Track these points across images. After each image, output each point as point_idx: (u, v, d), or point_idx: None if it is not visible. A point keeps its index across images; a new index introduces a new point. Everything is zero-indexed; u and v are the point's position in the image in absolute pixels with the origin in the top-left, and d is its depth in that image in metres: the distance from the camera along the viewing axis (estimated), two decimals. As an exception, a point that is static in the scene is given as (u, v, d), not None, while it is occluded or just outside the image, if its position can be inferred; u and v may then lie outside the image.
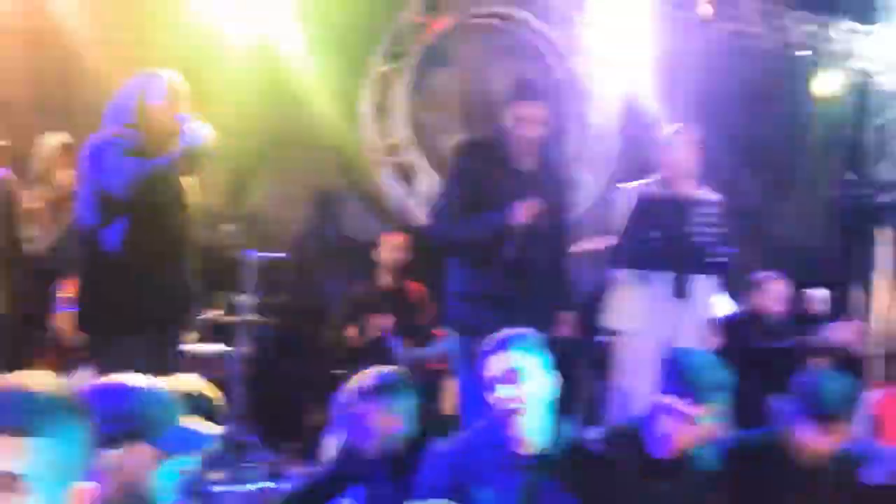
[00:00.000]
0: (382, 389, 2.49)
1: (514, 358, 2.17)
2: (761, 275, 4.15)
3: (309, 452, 4.23)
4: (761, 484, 2.29)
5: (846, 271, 5.18)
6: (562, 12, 5.74)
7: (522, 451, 2.17)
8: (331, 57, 5.02)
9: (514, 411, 2.13)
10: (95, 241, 2.84)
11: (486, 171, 3.07)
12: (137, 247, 2.82)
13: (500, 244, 2.98)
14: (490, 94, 5.57)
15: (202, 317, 3.95)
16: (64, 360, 3.56)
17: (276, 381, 4.33)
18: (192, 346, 3.83)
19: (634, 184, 3.48)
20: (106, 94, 2.98)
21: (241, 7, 4.64)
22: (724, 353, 3.69)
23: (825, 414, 2.25)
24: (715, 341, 3.52)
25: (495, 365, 2.18)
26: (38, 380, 1.17)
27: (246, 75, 4.60)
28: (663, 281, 3.26)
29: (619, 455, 2.19)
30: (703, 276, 3.33)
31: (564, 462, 2.17)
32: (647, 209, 3.14)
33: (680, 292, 3.22)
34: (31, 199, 3.61)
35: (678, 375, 2.17)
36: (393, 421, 2.47)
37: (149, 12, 4.48)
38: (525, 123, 3.03)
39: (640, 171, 3.65)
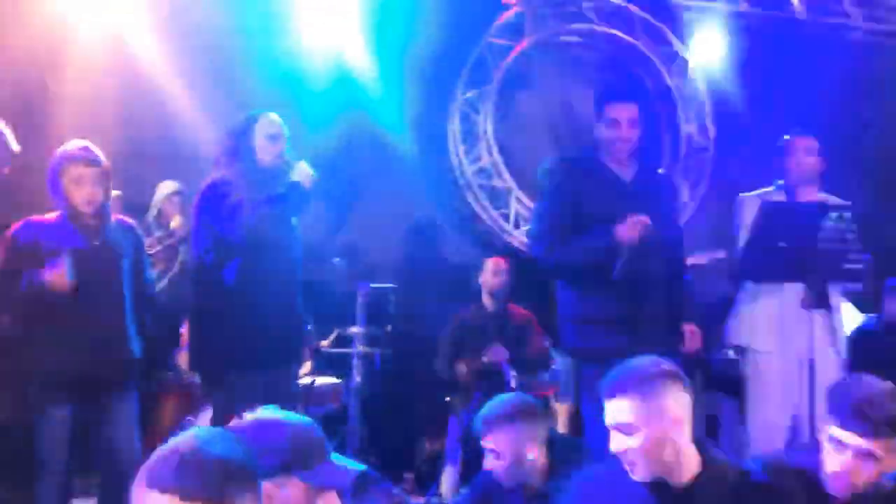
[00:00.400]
0: (517, 416, 2.41)
1: (624, 407, 1.86)
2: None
3: (423, 483, 4.22)
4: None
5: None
6: (648, 24, 5.66)
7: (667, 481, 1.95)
8: (416, 85, 5.07)
9: (632, 463, 1.89)
10: (209, 282, 2.89)
11: (583, 186, 2.93)
12: (251, 285, 2.85)
13: (609, 264, 2.82)
14: (575, 113, 5.56)
15: (316, 350, 4.00)
16: (188, 400, 3.66)
17: (388, 412, 4.33)
18: (306, 379, 3.87)
19: (756, 192, 3.34)
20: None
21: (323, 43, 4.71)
22: (859, 368, 3.51)
23: None
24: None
25: (609, 413, 1.91)
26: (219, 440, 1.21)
27: (331, 111, 4.66)
28: (794, 293, 3.10)
29: (789, 489, 2.00)
30: (836, 287, 3.16)
31: (723, 493, 1.99)
32: (773, 217, 3.00)
33: (814, 303, 3.04)
34: (147, 246, 3.73)
35: (851, 405, 1.96)
36: (528, 448, 2.40)
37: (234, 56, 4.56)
38: (618, 124, 2.89)
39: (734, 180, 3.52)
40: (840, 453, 1.95)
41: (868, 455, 1.93)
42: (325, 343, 4.11)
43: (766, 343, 3.18)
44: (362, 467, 1.77)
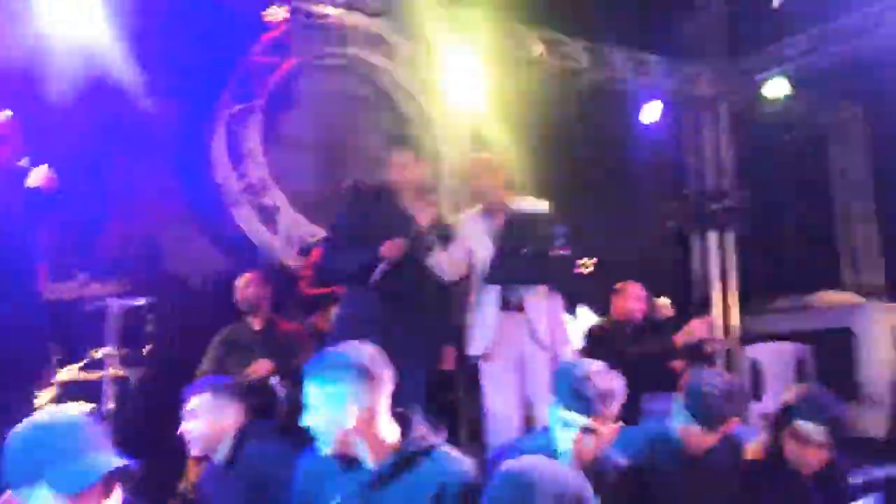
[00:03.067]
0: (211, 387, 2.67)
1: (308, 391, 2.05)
2: (622, 283, 4.46)
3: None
4: (658, 474, 2.41)
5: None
6: (407, 53, 5.98)
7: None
8: (174, 97, 4.90)
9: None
10: None
11: (372, 210, 3.34)
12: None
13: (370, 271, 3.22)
14: (340, 136, 5.71)
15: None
16: None
17: (147, 439, 4.06)
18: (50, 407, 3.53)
19: (465, 215, 3.63)
20: None
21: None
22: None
23: (712, 417, 2.44)
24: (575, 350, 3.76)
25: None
26: None
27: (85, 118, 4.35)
28: (496, 296, 3.44)
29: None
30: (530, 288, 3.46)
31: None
32: (516, 226, 3.38)
33: (506, 304, 3.40)
34: None
35: (570, 387, 2.20)
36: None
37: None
38: (401, 169, 3.34)
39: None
40: (567, 432, 2.21)
41: (589, 430, 2.19)
42: (65, 373, 3.74)
43: (481, 348, 3.49)
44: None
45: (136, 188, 4.62)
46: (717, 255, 7.20)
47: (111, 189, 4.48)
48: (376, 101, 6.03)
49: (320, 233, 5.34)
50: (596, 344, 4.20)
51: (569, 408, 2.21)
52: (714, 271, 7.19)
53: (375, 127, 5.94)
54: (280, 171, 5.46)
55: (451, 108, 6.03)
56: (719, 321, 7.02)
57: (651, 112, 6.80)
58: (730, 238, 7.21)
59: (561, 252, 3.34)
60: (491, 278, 3.40)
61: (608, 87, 6.73)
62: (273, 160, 5.44)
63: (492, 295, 3.45)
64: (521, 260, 3.31)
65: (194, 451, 2.59)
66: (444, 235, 3.32)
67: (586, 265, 3.41)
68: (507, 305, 3.44)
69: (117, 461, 1.57)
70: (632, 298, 4.41)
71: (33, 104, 3.95)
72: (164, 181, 4.75)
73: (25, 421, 1.60)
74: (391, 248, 3.19)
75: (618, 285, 4.46)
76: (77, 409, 1.63)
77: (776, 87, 6.68)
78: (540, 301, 3.44)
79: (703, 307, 6.91)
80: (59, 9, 4.42)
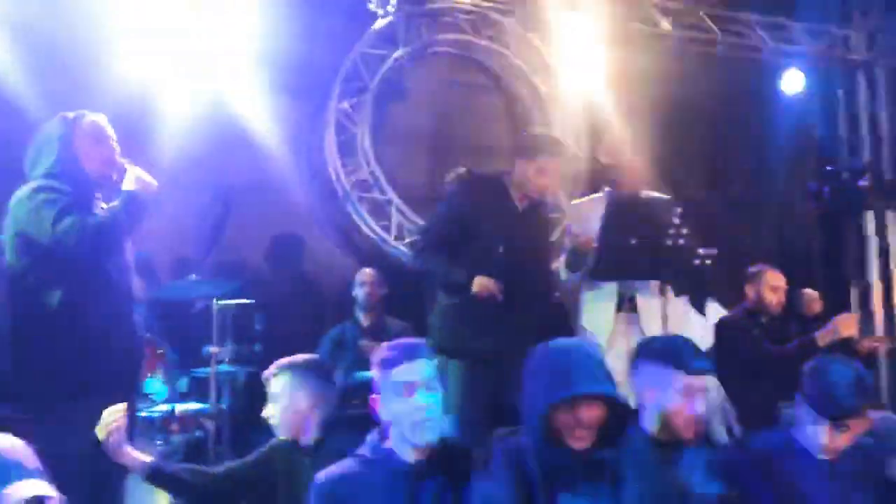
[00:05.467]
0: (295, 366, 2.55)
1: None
2: (757, 266, 3.98)
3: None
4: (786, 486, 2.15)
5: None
6: (520, 34, 5.73)
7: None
8: (287, 97, 4.94)
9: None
10: (30, 302, 2.60)
11: (481, 204, 3.21)
12: (80, 305, 2.60)
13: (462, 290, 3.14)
14: (452, 125, 5.56)
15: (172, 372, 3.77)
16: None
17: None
18: (164, 406, 3.63)
19: (588, 198, 3.42)
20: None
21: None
22: (725, 357, 3.60)
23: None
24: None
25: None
26: None
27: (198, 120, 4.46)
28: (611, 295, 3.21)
29: None
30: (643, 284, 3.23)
31: None
32: (624, 213, 3.07)
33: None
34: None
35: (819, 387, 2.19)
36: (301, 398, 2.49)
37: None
38: (545, 175, 3.20)
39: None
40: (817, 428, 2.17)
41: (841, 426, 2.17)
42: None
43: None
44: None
45: (246, 187, 4.67)
46: (874, 240, 6.40)
47: (222, 188, 4.56)
48: (488, 87, 5.82)
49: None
50: (723, 341, 3.78)
51: (817, 405, 2.17)
52: (872, 258, 6.40)
53: (490, 114, 5.76)
54: (391, 165, 5.38)
55: (568, 90, 5.72)
56: (879, 316, 6.24)
57: (794, 81, 6.14)
58: (891, 219, 6.39)
59: (679, 242, 3.00)
60: (597, 274, 3.12)
61: (744, 57, 6.15)
62: (384, 153, 5.37)
63: (605, 293, 3.18)
64: (632, 251, 3.00)
65: (280, 434, 2.50)
66: (579, 262, 3.08)
67: (707, 256, 3.03)
68: (620, 306, 3.15)
69: (38, 489, 1.44)
70: (768, 286, 3.91)
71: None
72: (275, 178, 4.77)
73: None
74: (482, 289, 3.05)
75: (751, 269, 3.97)
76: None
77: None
78: (652, 299, 3.11)
79: (861, 300, 6.17)
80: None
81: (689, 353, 2.14)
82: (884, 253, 6.34)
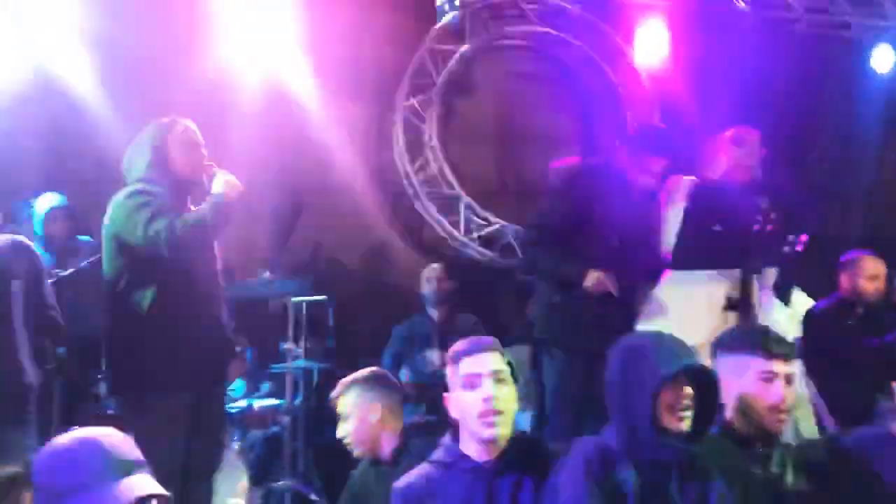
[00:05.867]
0: (361, 380, 2.59)
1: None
2: (852, 253, 3.78)
3: None
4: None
5: None
6: (590, 21, 5.60)
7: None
8: (355, 96, 4.97)
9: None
10: (126, 302, 2.69)
11: (595, 190, 3.14)
12: (171, 304, 2.68)
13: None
14: (519, 118, 5.49)
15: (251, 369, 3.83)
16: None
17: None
18: (242, 402, 3.70)
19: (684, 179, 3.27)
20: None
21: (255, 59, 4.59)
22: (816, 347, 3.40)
23: None
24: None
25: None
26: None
27: (267, 124, 4.53)
28: (706, 290, 3.02)
29: None
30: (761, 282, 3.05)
31: None
32: (706, 199, 2.93)
33: (733, 304, 2.96)
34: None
35: None
36: (372, 409, 2.52)
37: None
38: (651, 176, 3.14)
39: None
40: None
41: None
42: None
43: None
44: None
45: (315, 188, 4.72)
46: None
47: (291, 189, 4.62)
48: (557, 78, 5.71)
49: (499, 223, 5.19)
50: (816, 330, 3.57)
51: None
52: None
53: (559, 105, 5.65)
54: (458, 160, 5.35)
55: (642, 75, 5.56)
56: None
57: (885, 58, 5.79)
58: None
59: (767, 228, 2.85)
60: (678, 262, 2.99)
61: (831, 35, 5.83)
62: (451, 149, 5.34)
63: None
64: (715, 238, 2.86)
65: (356, 453, 2.52)
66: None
67: (797, 243, 2.86)
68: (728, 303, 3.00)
69: (148, 487, 1.41)
70: (865, 275, 3.69)
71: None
72: (343, 178, 4.80)
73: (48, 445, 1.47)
74: (598, 285, 3.01)
75: (847, 257, 3.76)
76: (103, 430, 1.48)
77: None
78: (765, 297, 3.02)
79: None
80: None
81: (768, 338, 2.06)
82: None
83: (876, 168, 5.98)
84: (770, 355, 2.01)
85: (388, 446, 2.49)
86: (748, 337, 2.10)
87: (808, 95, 5.69)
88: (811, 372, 3.35)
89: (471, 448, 2.00)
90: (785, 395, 2.01)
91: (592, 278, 3.01)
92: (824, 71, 5.78)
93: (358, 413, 2.47)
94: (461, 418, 2.02)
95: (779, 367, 2.01)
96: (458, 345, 2.09)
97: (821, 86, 5.77)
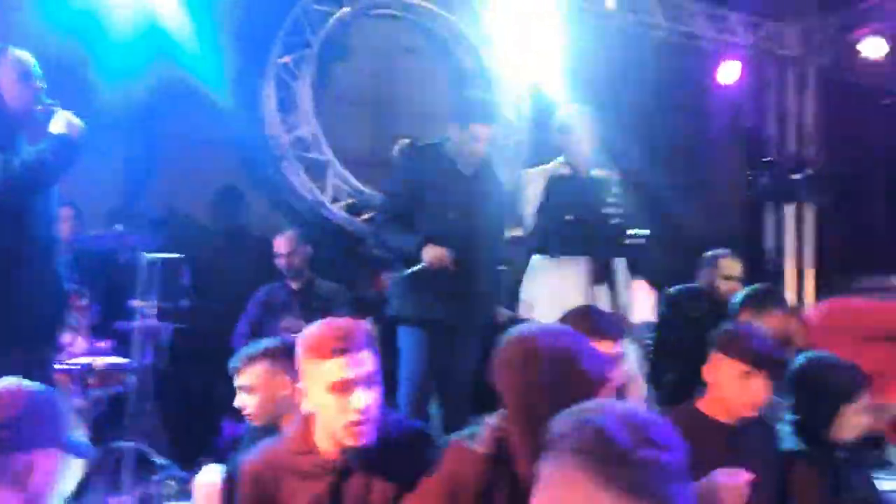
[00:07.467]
0: (269, 353, 2.36)
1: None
2: (714, 252, 3.96)
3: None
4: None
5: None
6: (468, 2, 5.68)
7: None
8: (231, 43, 4.77)
9: None
10: None
11: (427, 174, 3.24)
12: (1, 252, 2.49)
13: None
14: (393, 89, 5.49)
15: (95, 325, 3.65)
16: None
17: (183, 393, 4.05)
18: (83, 359, 3.52)
19: (540, 168, 3.44)
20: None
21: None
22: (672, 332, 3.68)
23: None
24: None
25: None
26: None
27: (136, 68, 4.26)
28: (576, 268, 3.20)
29: None
30: (621, 263, 3.29)
31: None
32: (560, 191, 3.11)
33: (599, 278, 3.17)
34: None
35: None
36: (281, 384, 2.31)
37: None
38: (478, 141, 3.22)
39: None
40: None
41: None
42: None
43: (545, 318, 3.25)
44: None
45: (182, 135, 4.51)
46: (793, 229, 6.71)
47: (158, 139, 4.39)
48: (432, 53, 5.77)
49: (366, 191, 5.20)
50: (667, 309, 3.84)
51: None
52: (789, 247, 6.71)
53: (431, 79, 5.71)
54: (330, 125, 5.29)
55: (513, 63, 5.72)
56: (793, 300, 6.57)
57: (730, 72, 6.31)
58: (808, 211, 6.69)
59: (612, 221, 3.07)
60: (532, 249, 3.17)
61: (684, 44, 6.28)
62: (323, 113, 5.27)
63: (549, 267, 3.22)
64: (567, 228, 3.05)
65: (256, 423, 2.34)
66: None
67: (637, 235, 3.11)
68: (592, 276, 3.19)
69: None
70: (721, 274, 3.84)
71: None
72: (214, 129, 4.62)
73: (22, 386, 1.49)
74: (434, 260, 3.09)
75: (708, 254, 3.95)
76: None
77: (873, 47, 6.07)
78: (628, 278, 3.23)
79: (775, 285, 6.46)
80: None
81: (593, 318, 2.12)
82: (798, 242, 6.66)
83: (716, 170, 6.54)
84: (600, 336, 2.00)
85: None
86: (576, 319, 2.07)
87: (658, 98, 6.08)
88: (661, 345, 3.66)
89: (323, 443, 1.82)
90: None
91: (429, 254, 3.09)
92: (682, 76, 6.21)
93: (265, 387, 2.28)
94: (321, 418, 1.80)
95: (606, 347, 2.01)
96: (325, 334, 1.78)
97: (671, 89, 6.19)
